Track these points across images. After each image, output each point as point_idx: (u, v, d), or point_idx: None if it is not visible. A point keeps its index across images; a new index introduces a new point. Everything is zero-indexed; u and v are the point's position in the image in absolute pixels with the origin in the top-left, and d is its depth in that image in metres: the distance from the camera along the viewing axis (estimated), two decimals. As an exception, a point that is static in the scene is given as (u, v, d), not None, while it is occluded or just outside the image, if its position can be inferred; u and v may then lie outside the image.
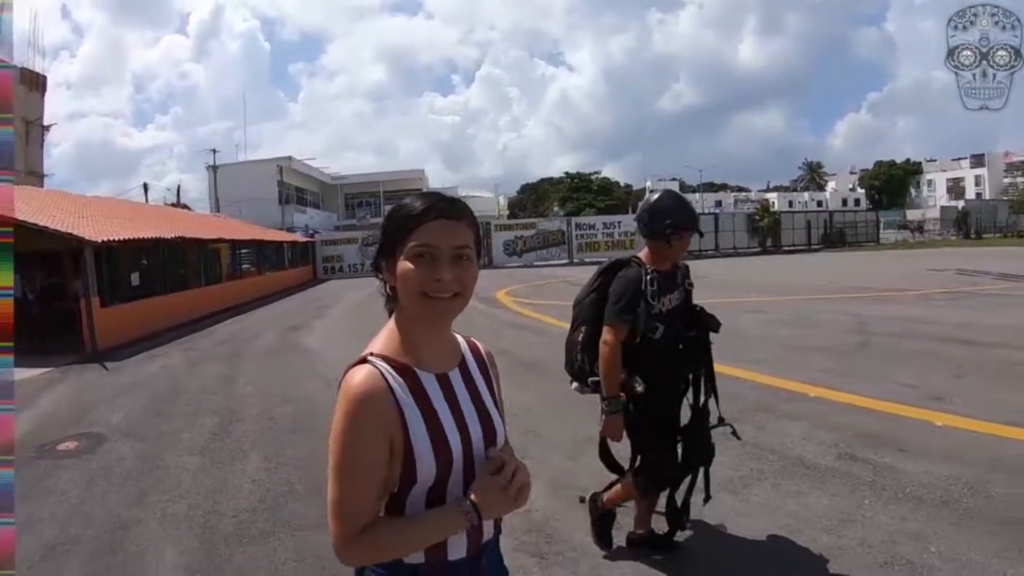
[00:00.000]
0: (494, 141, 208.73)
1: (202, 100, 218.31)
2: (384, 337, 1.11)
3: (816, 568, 2.70)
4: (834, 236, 40.58)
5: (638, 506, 2.92)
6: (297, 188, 40.64)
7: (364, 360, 1.07)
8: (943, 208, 53.51)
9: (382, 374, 1.04)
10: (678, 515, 2.82)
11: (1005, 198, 52.58)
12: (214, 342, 10.87)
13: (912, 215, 56.22)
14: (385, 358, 1.07)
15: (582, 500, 3.10)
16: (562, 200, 58.65)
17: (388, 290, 1.12)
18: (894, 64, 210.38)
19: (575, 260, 31.03)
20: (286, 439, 4.90)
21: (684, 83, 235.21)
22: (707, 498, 2.83)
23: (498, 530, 1.19)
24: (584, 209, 51.80)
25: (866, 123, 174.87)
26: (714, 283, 15.19)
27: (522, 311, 12.26)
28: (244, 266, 21.12)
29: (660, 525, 2.90)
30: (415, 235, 1.05)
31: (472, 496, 1.04)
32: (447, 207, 1.08)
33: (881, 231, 47.78)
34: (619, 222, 33.38)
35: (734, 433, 2.88)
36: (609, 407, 2.61)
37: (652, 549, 2.89)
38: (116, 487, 4.13)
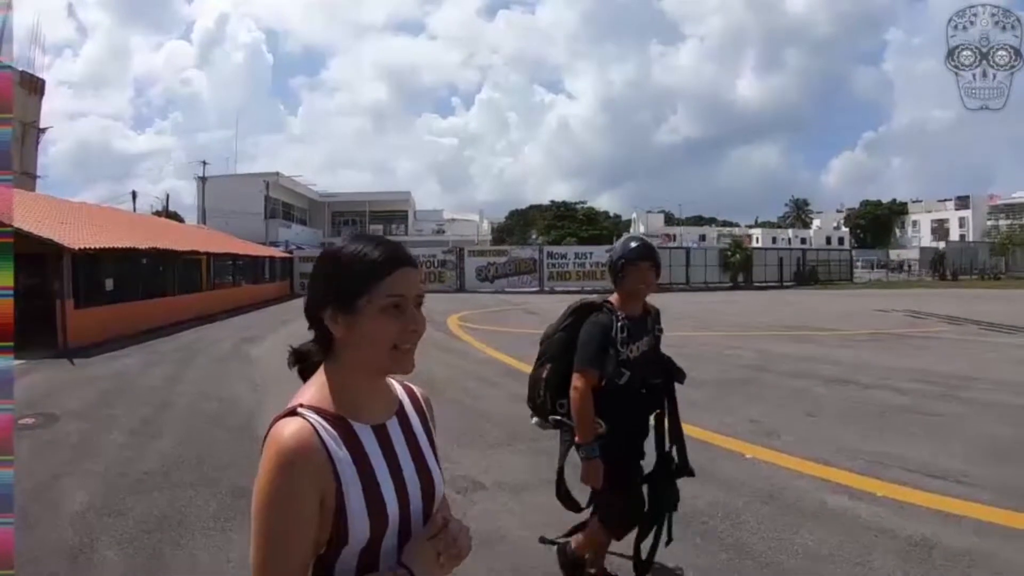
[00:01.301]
0: (491, 165, 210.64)
1: (203, 108, 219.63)
2: (314, 388, 1.04)
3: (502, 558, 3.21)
4: (807, 274, 40.98)
5: (592, 548, 2.91)
6: (284, 203, 41.92)
7: (293, 412, 0.99)
8: (922, 249, 54.65)
9: (313, 427, 0.97)
10: (645, 563, 2.83)
11: (987, 240, 53.57)
12: (174, 347, 11.96)
13: (895, 255, 57.35)
14: (316, 410, 1.00)
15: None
16: (546, 228, 59.86)
17: (317, 340, 1.07)
18: (891, 104, 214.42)
19: (545, 288, 32.17)
20: (199, 427, 6.03)
21: (682, 115, 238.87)
22: (668, 540, 2.84)
23: None
24: (566, 238, 53.01)
25: (861, 161, 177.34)
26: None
27: (459, 334, 13.32)
28: (219, 278, 22.09)
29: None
30: (387, 284, 1.00)
31: (404, 561, 0.99)
32: (408, 255, 1.05)
33: (858, 270, 48.59)
34: (591, 252, 34.55)
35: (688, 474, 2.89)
36: (585, 453, 2.62)
37: None
38: (57, 452, 5.25)
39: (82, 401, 7.29)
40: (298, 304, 21.16)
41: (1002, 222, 58.23)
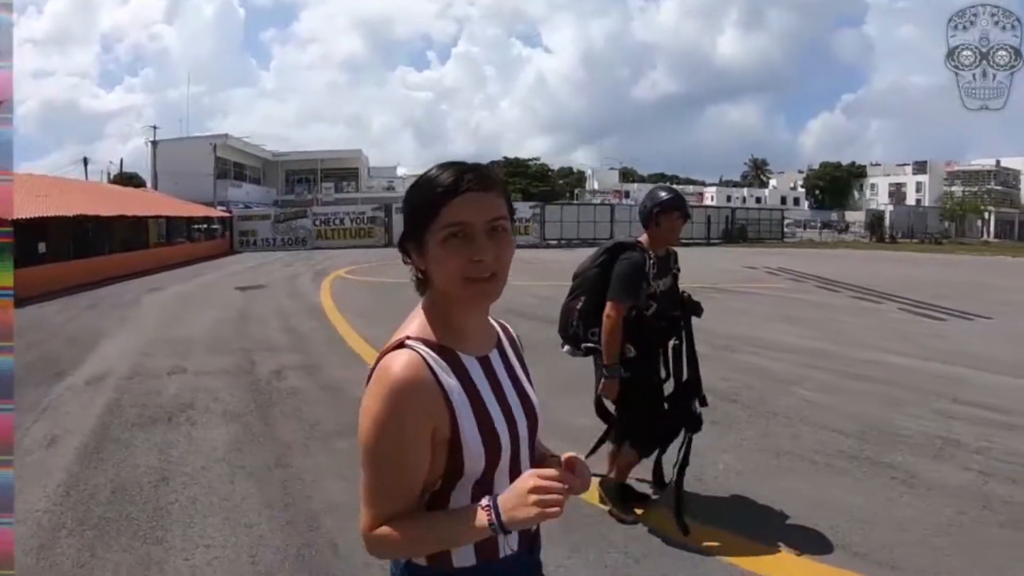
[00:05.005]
0: (467, 119, 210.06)
1: (173, 63, 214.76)
2: (419, 320, 1.06)
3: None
4: (735, 232, 42.99)
5: (618, 460, 3.17)
6: (236, 164, 43.92)
7: (401, 344, 1.01)
8: (868, 211, 56.90)
9: (423, 357, 0.99)
10: (676, 481, 3.04)
11: (937, 205, 55.69)
12: (90, 299, 14.62)
13: (847, 216, 59.61)
14: (423, 341, 1.02)
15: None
16: (498, 184, 61.76)
17: (418, 274, 1.07)
18: (871, 67, 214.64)
19: (468, 241, 34.70)
20: (62, 345, 9.09)
21: (661, 71, 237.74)
22: (685, 464, 3.03)
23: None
24: (515, 194, 55.26)
25: (839, 124, 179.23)
26: (534, 268, 17.45)
27: (324, 284, 15.87)
28: (156, 238, 24.65)
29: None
30: (445, 213, 0.98)
31: (497, 495, 0.96)
32: (475, 177, 1.00)
33: (803, 230, 50.75)
34: (515, 209, 37.04)
35: (703, 403, 3.09)
36: (608, 372, 2.90)
37: (624, 501, 3.19)
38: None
39: (-2, 334, 10.33)
40: (230, 259, 26.05)
41: (954, 188, 58.98)
